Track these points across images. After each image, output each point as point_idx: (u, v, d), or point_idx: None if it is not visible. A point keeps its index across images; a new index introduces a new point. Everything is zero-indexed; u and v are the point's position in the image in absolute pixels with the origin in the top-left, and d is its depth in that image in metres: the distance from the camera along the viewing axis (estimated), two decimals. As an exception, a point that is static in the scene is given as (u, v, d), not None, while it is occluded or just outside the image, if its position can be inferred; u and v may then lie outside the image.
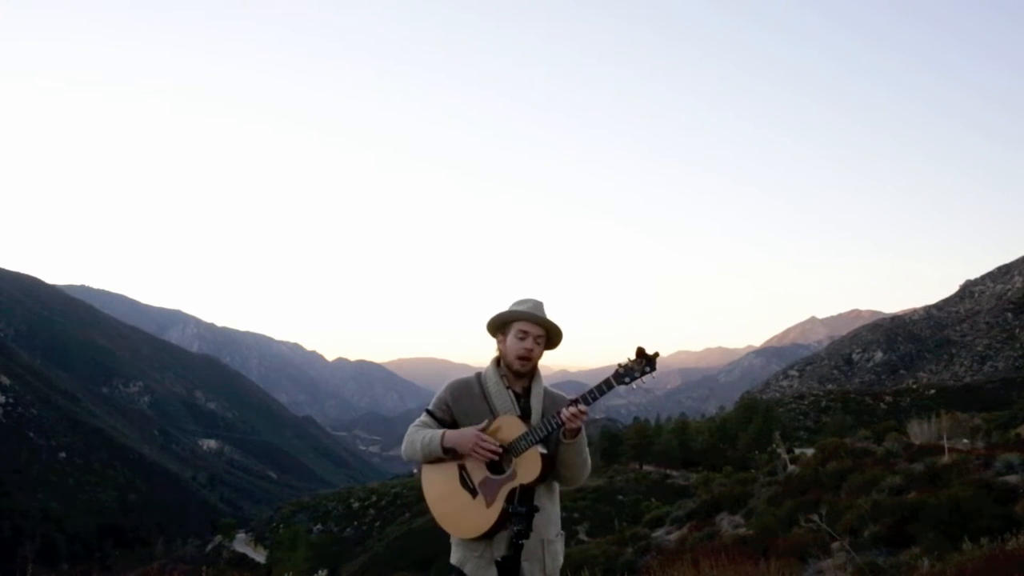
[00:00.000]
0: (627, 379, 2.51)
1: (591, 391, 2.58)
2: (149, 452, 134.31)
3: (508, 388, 2.76)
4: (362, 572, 35.03)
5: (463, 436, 2.64)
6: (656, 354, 2.51)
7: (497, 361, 2.81)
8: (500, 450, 2.60)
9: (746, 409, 51.36)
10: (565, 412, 2.54)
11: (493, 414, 2.71)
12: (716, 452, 46.85)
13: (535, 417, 2.69)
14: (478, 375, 2.85)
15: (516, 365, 2.73)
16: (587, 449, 2.73)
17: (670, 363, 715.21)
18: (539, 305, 2.78)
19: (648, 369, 2.51)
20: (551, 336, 2.80)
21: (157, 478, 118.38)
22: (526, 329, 2.73)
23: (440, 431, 2.69)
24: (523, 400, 2.75)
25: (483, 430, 2.64)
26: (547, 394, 2.80)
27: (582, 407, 2.54)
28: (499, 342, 2.81)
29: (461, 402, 2.78)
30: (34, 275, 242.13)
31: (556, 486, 2.80)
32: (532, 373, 2.81)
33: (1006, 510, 6.44)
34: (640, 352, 2.51)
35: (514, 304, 2.80)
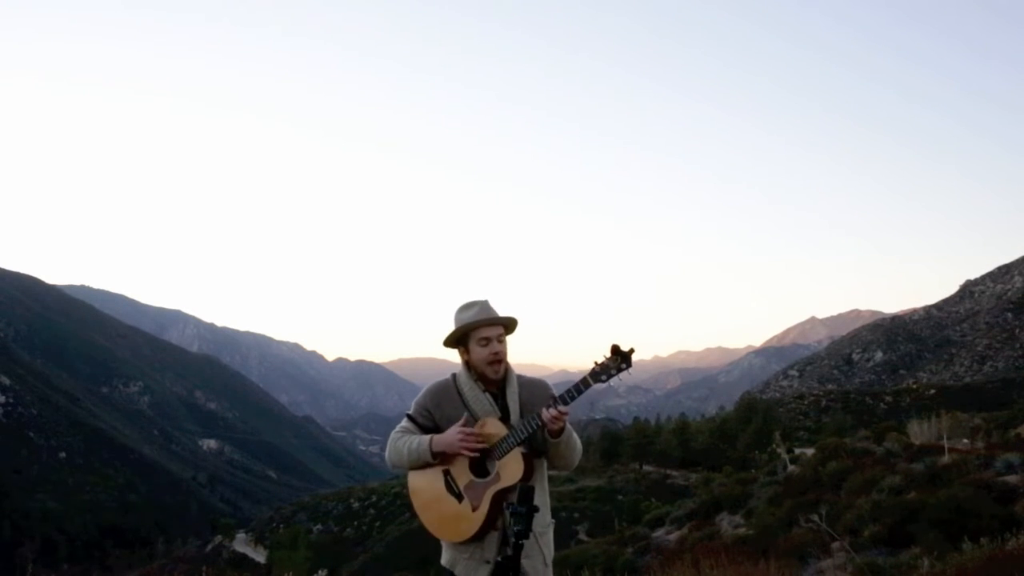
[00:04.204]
0: (603, 377, 2.52)
1: (569, 391, 2.57)
2: (149, 452, 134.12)
3: (484, 391, 2.74)
4: (362, 572, 35.04)
5: (448, 437, 2.63)
6: (631, 350, 2.51)
7: (467, 366, 2.76)
8: (484, 443, 2.61)
9: (746, 409, 51.36)
10: (546, 414, 2.53)
11: (473, 418, 2.70)
12: (716, 452, 46.80)
13: (514, 416, 2.69)
14: (454, 376, 2.80)
15: (490, 373, 2.71)
16: (574, 436, 2.71)
17: (670, 363, 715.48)
18: (486, 305, 2.75)
19: (624, 366, 2.51)
20: (508, 328, 2.78)
21: (157, 478, 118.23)
22: (487, 335, 2.70)
23: (427, 436, 2.68)
24: (500, 400, 2.74)
25: (464, 426, 2.65)
26: (523, 385, 2.78)
27: (562, 408, 2.53)
28: (462, 354, 2.77)
29: (443, 408, 2.75)
30: (34, 275, 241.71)
31: (544, 477, 2.79)
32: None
33: (1006, 510, 6.43)
34: (615, 349, 2.51)
35: (459, 311, 2.76)
